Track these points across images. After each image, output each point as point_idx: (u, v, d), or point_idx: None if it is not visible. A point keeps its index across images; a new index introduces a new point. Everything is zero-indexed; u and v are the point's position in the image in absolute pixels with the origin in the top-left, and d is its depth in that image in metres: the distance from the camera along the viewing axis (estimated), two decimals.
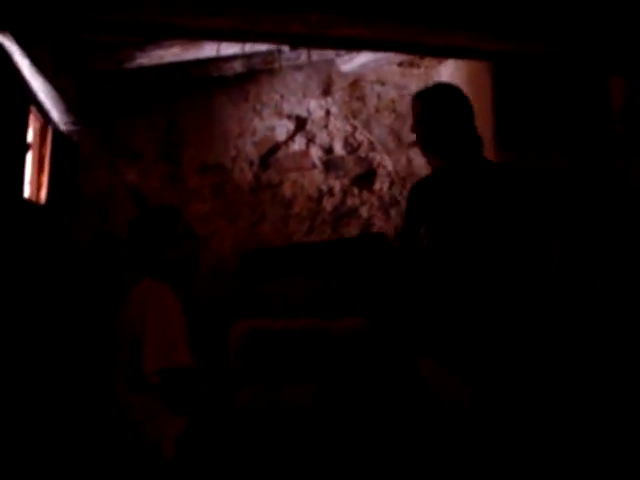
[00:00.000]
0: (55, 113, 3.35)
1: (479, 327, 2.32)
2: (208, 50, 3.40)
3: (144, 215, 2.78)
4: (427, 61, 4.25)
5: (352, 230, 4.11)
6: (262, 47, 3.56)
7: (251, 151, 4.12)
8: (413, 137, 2.72)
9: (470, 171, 2.48)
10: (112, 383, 2.44)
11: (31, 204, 3.14)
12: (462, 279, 2.37)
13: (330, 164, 4.18)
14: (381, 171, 4.21)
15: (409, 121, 2.75)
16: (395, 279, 2.77)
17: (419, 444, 2.50)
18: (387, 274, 2.90)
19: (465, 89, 3.75)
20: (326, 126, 4.22)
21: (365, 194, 4.19)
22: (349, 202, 4.16)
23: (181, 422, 2.36)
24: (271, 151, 4.15)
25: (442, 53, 2.93)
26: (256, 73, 4.05)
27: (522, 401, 2.38)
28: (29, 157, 3.09)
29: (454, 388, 2.33)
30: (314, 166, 4.17)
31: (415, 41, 2.27)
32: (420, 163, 3.94)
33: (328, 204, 4.14)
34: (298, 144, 4.18)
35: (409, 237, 2.59)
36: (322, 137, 4.20)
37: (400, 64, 4.26)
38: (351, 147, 4.21)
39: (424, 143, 2.59)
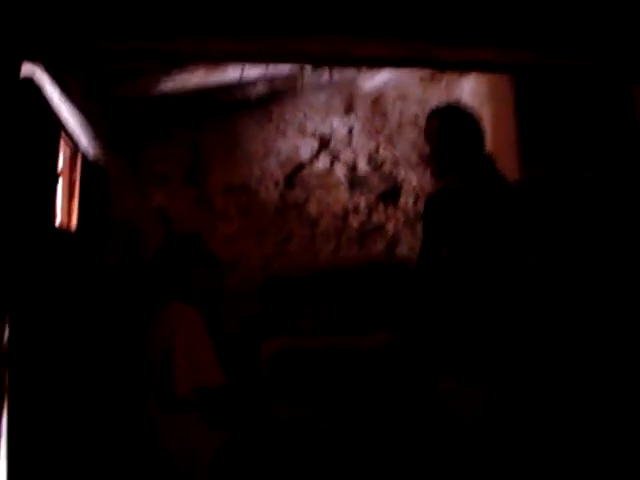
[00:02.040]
0: (84, 140, 3.40)
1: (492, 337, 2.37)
2: (232, 73, 3.46)
3: (166, 243, 2.90)
4: (448, 75, 4.26)
5: (379, 246, 4.12)
6: (284, 68, 3.61)
7: (276, 171, 4.16)
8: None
9: (482, 190, 2.53)
10: (145, 406, 2.50)
11: (63, 231, 3.19)
12: (474, 293, 2.42)
13: (355, 181, 4.20)
14: (406, 186, 4.22)
15: None
16: (417, 297, 2.80)
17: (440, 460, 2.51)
18: (410, 294, 2.94)
19: (487, 103, 3.80)
20: (350, 144, 4.24)
21: (390, 210, 4.19)
22: (375, 218, 4.17)
23: (215, 442, 2.40)
24: (296, 170, 4.18)
25: (463, 67, 2.94)
26: (279, 94, 4.09)
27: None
28: (60, 184, 3.14)
29: (470, 405, 2.35)
30: (339, 184, 4.20)
31: (435, 57, 2.28)
32: None
33: (354, 221, 4.15)
34: (322, 162, 4.21)
35: (429, 256, 2.64)
36: (346, 155, 4.23)
37: (421, 79, 4.28)
38: (375, 164, 4.23)
39: (439, 158, 2.63)
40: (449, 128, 2.58)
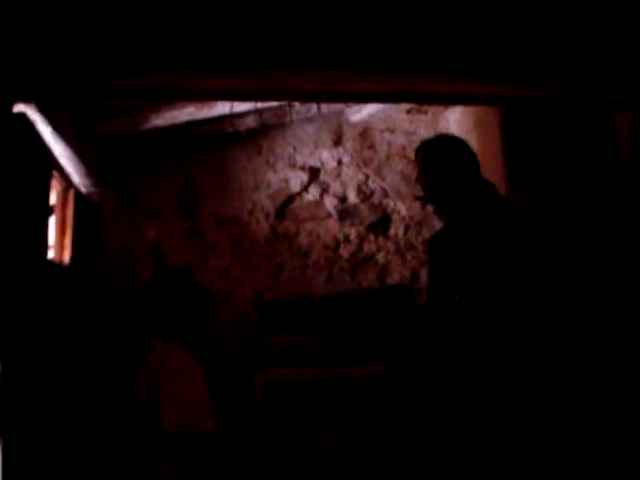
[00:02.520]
0: (76, 176, 3.44)
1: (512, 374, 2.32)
2: (221, 108, 3.52)
3: (154, 278, 2.80)
4: (434, 107, 4.33)
5: (370, 276, 4.14)
6: (273, 102, 3.67)
7: (266, 203, 4.20)
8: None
9: (484, 221, 2.46)
10: (135, 446, 2.46)
11: (55, 265, 3.21)
12: (492, 327, 2.35)
13: (345, 212, 4.24)
14: (395, 217, 4.26)
15: None
16: (421, 332, 2.74)
17: None
18: (409, 324, 2.90)
19: (473, 133, 3.86)
20: (339, 175, 4.29)
21: (381, 240, 4.23)
22: (366, 249, 4.21)
23: None
24: (286, 202, 4.23)
25: (448, 101, 3.00)
26: (268, 127, 4.15)
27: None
28: (52, 220, 3.17)
29: (481, 443, 2.34)
30: (329, 215, 4.24)
31: (420, 91, 2.33)
32: None
33: (345, 252, 4.19)
34: (312, 194, 4.26)
35: (437, 294, 2.57)
36: (336, 186, 4.28)
37: (408, 111, 4.35)
38: (364, 195, 4.28)
39: (432, 194, 2.56)
40: (433, 162, 2.54)
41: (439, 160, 2.54)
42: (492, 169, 3.54)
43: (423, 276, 4.07)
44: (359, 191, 4.27)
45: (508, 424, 2.31)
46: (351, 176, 4.29)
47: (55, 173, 3.18)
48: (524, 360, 2.34)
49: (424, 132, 4.33)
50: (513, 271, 2.36)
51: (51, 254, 3.20)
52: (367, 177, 4.31)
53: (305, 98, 3.06)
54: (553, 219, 2.97)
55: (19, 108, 2.41)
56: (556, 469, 2.50)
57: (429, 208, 4.02)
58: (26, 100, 2.33)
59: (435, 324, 2.57)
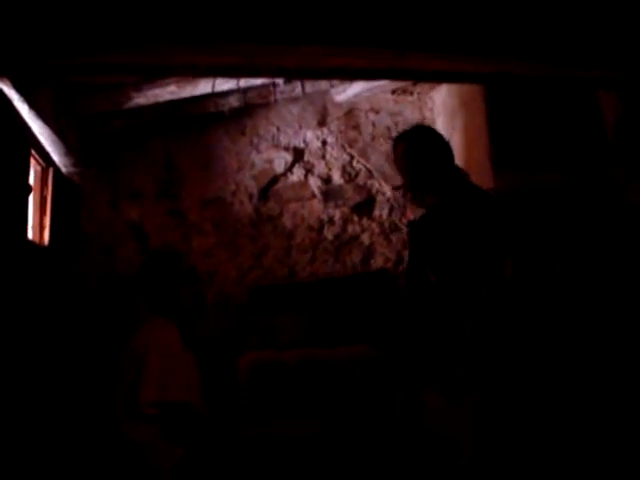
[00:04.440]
0: (56, 156, 3.39)
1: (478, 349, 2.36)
2: (203, 87, 3.47)
3: (149, 259, 2.95)
4: (420, 87, 4.30)
5: (354, 258, 4.12)
6: (257, 81, 3.63)
7: (250, 184, 4.16)
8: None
9: (460, 205, 2.56)
10: (114, 413, 2.55)
11: (35, 245, 3.17)
12: (459, 308, 2.42)
13: (329, 193, 4.21)
14: (380, 198, 4.24)
15: None
16: (401, 313, 2.81)
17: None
18: (392, 307, 2.95)
19: (459, 113, 3.84)
20: (323, 156, 4.26)
21: (365, 221, 4.21)
22: (350, 230, 4.18)
23: (172, 456, 2.45)
24: (270, 183, 4.19)
25: (432, 78, 2.98)
26: (252, 107, 4.10)
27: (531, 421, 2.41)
28: (31, 199, 3.13)
29: (455, 424, 2.35)
30: (313, 196, 4.20)
31: (403, 67, 2.31)
32: None
33: (329, 233, 4.16)
34: (297, 175, 4.22)
35: (415, 276, 2.65)
36: (320, 167, 4.24)
37: (393, 92, 4.31)
38: (349, 176, 4.25)
39: (413, 181, 2.67)
40: (415, 150, 2.64)
41: (419, 150, 2.64)
42: (477, 149, 3.54)
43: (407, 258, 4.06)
44: (344, 172, 4.24)
45: (483, 404, 2.34)
46: (336, 157, 4.26)
47: (34, 152, 3.14)
48: (496, 342, 2.38)
49: (409, 113, 4.31)
50: (481, 254, 2.44)
51: (30, 234, 3.16)
52: (352, 158, 4.27)
53: (288, 74, 3.02)
54: (527, 205, 3.03)
55: None
56: (531, 450, 2.52)
57: (409, 195, 4.06)
58: (0, 75, 2.27)
59: (414, 304, 2.62)
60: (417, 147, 2.64)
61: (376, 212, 4.23)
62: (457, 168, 2.68)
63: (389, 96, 4.34)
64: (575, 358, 2.92)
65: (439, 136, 2.72)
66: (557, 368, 2.84)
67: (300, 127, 4.28)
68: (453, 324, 2.41)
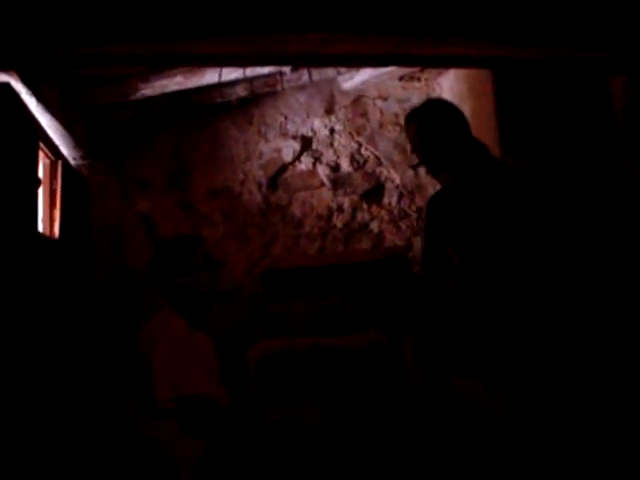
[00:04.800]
0: (64, 148, 3.40)
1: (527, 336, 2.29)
2: (210, 77, 3.46)
3: (163, 244, 2.85)
4: (427, 74, 4.27)
5: (364, 245, 4.12)
6: (263, 70, 3.61)
7: (259, 173, 4.16)
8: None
9: (482, 180, 2.45)
10: (127, 410, 2.47)
11: (45, 238, 3.18)
12: (505, 287, 2.33)
13: (338, 181, 4.20)
14: (389, 185, 4.23)
15: None
16: (418, 298, 2.70)
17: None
18: (408, 292, 2.86)
19: (467, 100, 3.81)
20: (331, 144, 4.25)
21: (374, 209, 4.20)
22: (359, 218, 4.18)
23: (199, 447, 2.38)
24: (278, 172, 4.18)
25: (438, 63, 2.96)
26: (259, 96, 4.09)
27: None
28: (41, 193, 3.14)
29: (492, 406, 2.31)
30: (322, 184, 4.20)
31: (410, 53, 2.29)
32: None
33: (338, 221, 4.16)
34: (305, 164, 4.21)
35: (435, 256, 2.52)
36: (328, 155, 4.23)
37: (401, 78, 4.29)
38: (357, 163, 4.24)
39: (429, 160, 2.58)
40: (427, 129, 2.54)
41: (433, 126, 2.54)
42: (486, 135, 3.49)
43: (417, 244, 4.04)
44: (352, 160, 4.23)
45: (516, 395, 2.29)
46: (344, 144, 4.25)
47: (42, 145, 3.14)
48: (529, 330, 2.31)
49: (417, 99, 4.26)
50: (513, 234, 2.36)
51: (41, 227, 3.18)
52: (360, 145, 4.26)
53: (294, 62, 3.00)
54: (546, 184, 2.95)
55: (2, 78, 2.37)
56: (560, 445, 2.50)
57: (423, 175, 4.00)
58: (7, 69, 2.27)
59: (435, 285, 2.52)
60: (428, 125, 2.54)
61: (385, 199, 4.22)
62: (474, 140, 2.57)
63: (396, 83, 4.32)
64: (593, 344, 2.88)
65: (451, 109, 2.61)
66: (594, 366, 2.80)
67: (308, 115, 4.26)
68: (491, 310, 2.32)
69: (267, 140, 4.21)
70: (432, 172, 2.64)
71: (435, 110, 2.61)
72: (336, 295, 3.78)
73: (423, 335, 2.59)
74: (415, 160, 2.71)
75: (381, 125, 4.30)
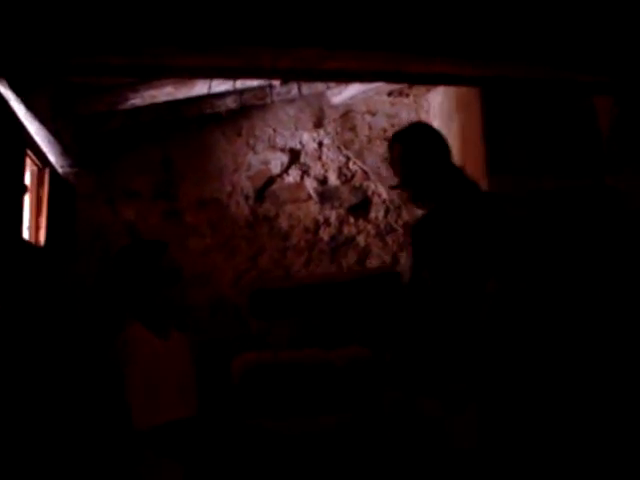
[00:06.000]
0: (52, 156, 3.39)
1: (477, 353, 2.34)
2: (200, 88, 3.47)
3: (124, 250, 2.66)
4: (416, 90, 4.31)
5: (350, 259, 4.13)
6: (253, 82, 3.63)
7: (246, 185, 4.17)
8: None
9: (459, 206, 2.49)
10: (105, 434, 2.35)
11: (30, 246, 3.17)
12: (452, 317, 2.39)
13: (325, 195, 4.21)
14: (376, 199, 4.25)
15: None
16: (401, 316, 2.74)
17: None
18: (393, 309, 2.89)
19: (455, 116, 3.85)
20: (320, 157, 4.26)
21: (361, 223, 4.22)
22: (346, 231, 4.19)
23: (177, 472, 2.30)
24: (266, 184, 4.19)
25: (428, 81, 2.98)
26: (248, 108, 4.10)
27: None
28: (27, 200, 3.12)
29: (456, 432, 2.32)
30: (309, 197, 4.21)
31: (401, 70, 2.31)
32: None
33: (325, 234, 4.17)
34: (293, 176, 4.22)
35: (415, 279, 2.60)
36: (316, 168, 4.25)
37: (389, 94, 4.32)
38: (345, 177, 4.26)
39: (410, 184, 2.58)
40: (412, 153, 2.54)
41: (416, 153, 2.54)
42: (473, 152, 3.54)
43: (402, 259, 4.07)
44: (340, 173, 4.25)
45: (485, 411, 2.32)
46: (332, 158, 4.26)
47: (30, 152, 3.13)
48: (494, 348, 2.36)
49: (405, 115, 4.31)
50: (480, 259, 2.39)
51: (26, 234, 3.16)
52: (348, 159, 4.28)
53: (284, 76, 3.02)
54: (526, 207, 3.00)
55: None
56: (534, 457, 2.51)
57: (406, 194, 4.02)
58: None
59: (413, 308, 2.56)
60: (413, 150, 2.54)
61: (372, 214, 4.24)
62: (455, 168, 2.59)
63: (385, 98, 4.35)
64: (574, 362, 2.92)
65: (436, 135, 2.62)
66: (556, 371, 2.84)
67: (296, 128, 4.28)
68: (451, 329, 2.37)
69: (256, 152, 4.22)
70: (413, 198, 2.63)
71: (420, 135, 2.61)
72: (324, 314, 3.80)
73: (395, 353, 2.61)
74: (395, 181, 2.72)
75: (369, 140, 4.32)
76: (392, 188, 3.87)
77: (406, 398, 2.45)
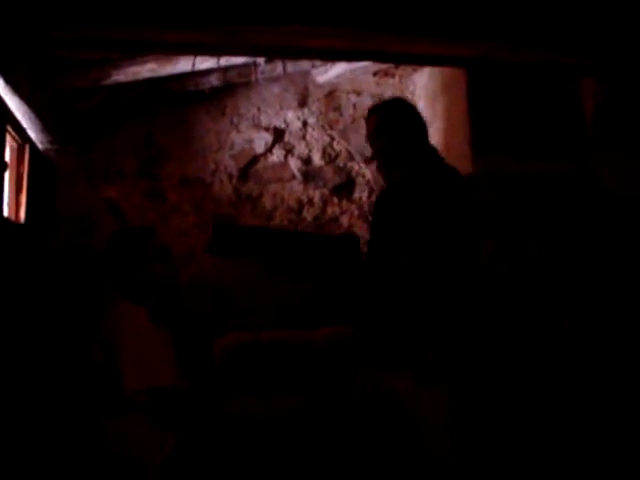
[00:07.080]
0: (32, 132, 3.35)
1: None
2: (183, 65, 3.42)
3: (117, 235, 2.81)
4: (402, 70, 4.29)
5: None
6: (238, 60, 3.58)
7: (230, 164, 4.14)
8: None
9: (428, 183, 2.49)
10: (93, 406, 2.43)
11: (10, 223, 3.14)
12: (430, 289, 2.38)
13: (309, 175, 4.20)
14: (360, 180, 4.24)
15: None
16: (362, 290, 2.73)
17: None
18: (356, 280, 2.87)
19: (440, 97, 3.84)
20: (304, 137, 4.24)
21: (345, 203, 4.21)
22: (329, 212, 4.18)
23: (168, 442, 2.35)
24: (250, 163, 4.17)
25: (412, 61, 2.97)
26: (232, 86, 4.06)
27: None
28: (7, 177, 3.09)
29: (433, 406, 2.31)
30: (293, 177, 4.19)
31: (383, 49, 2.29)
32: None
33: (309, 214, 4.16)
34: (277, 156, 4.20)
35: (378, 253, 2.59)
36: (300, 148, 4.23)
37: (375, 74, 4.29)
38: (329, 157, 4.24)
39: (383, 155, 2.60)
40: (388, 124, 2.56)
41: (393, 123, 2.56)
42: (458, 134, 3.54)
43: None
44: (324, 153, 4.23)
45: (455, 391, 2.33)
46: (316, 138, 4.24)
47: (10, 128, 3.09)
48: (467, 327, 2.38)
49: (391, 95, 4.28)
50: (455, 236, 2.39)
51: (6, 211, 3.13)
52: (332, 139, 4.26)
53: (270, 54, 2.99)
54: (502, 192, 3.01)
55: None
56: (504, 437, 2.53)
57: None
58: None
59: (377, 283, 2.55)
60: (390, 121, 2.56)
61: (356, 194, 4.23)
62: (430, 146, 2.61)
63: (371, 78, 4.32)
64: (551, 346, 2.94)
65: (414, 111, 2.64)
66: (533, 356, 2.85)
67: (281, 107, 4.25)
68: (425, 306, 2.36)
69: (239, 131, 4.19)
70: (383, 167, 2.64)
71: (398, 108, 2.64)
72: (283, 262, 3.71)
73: (361, 330, 2.62)
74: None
75: (354, 120, 4.30)
76: (370, 160, 3.87)
77: (376, 375, 2.45)
